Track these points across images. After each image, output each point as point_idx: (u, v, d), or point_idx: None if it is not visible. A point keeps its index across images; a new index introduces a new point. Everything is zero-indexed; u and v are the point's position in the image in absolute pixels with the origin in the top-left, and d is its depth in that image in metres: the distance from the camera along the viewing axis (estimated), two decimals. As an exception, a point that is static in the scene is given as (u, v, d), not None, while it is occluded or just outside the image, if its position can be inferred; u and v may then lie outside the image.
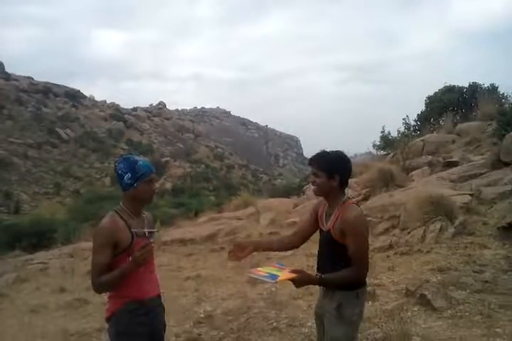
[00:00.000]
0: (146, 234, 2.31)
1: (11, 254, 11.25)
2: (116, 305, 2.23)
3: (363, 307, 2.28)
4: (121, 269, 2.13)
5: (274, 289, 5.05)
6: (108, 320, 2.27)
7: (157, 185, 2.56)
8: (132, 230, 2.22)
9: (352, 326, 2.21)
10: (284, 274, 2.12)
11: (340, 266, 2.15)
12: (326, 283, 2.17)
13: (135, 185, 2.21)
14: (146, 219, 2.38)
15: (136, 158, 2.28)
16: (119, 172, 2.23)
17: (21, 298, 6.29)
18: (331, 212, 2.27)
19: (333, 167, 2.21)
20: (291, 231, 2.62)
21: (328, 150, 2.33)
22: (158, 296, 2.40)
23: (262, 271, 2.19)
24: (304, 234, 2.46)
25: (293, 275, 2.10)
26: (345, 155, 2.30)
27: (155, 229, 2.43)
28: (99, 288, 2.21)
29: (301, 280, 2.11)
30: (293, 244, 2.49)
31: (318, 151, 2.34)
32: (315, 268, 2.38)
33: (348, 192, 2.42)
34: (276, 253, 6.71)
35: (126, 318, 2.20)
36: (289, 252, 6.05)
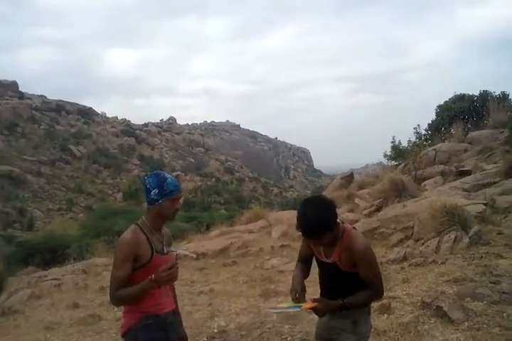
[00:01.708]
0: (165, 252, 2.30)
1: (24, 271, 11.30)
2: (132, 320, 2.22)
3: (371, 323, 2.35)
4: (141, 286, 2.11)
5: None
6: (124, 335, 2.26)
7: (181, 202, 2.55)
8: (153, 245, 2.22)
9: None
10: (306, 304, 2.19)
11: (350, 290, 2.17)
12: (347, 307, 2.17)
13: (160, 201, 2.22)
14: (165, 235, 2.38)
15: (166, 175, 2.30)
16: (147, 186, 2.26)
17: (36, 315, 6.31)
18: (330, 244, 2.23)
19: (330, 224, 2.12)
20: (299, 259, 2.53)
21: (305, 215, 2.14)
22: (175, 311, 2.40)
23: (283, 306, 2.29)
24: (310, 261, 2.47)
25: (314, 304, 2.16)
26: (325, 202, 2.18)
27: (178, 250, 2.38)
28: (116, 302, 2.21)
29: (323, 308, 2.15)
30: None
31: (304, 220, 2.14)
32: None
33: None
34: (287, 266, 6.67)
35: (143, 333, 2.19)
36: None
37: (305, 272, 2.45)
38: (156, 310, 2.24)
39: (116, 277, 2.13)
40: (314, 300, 2.18)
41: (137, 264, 2.16)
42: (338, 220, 2.20)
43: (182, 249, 2.29)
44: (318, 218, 2.08)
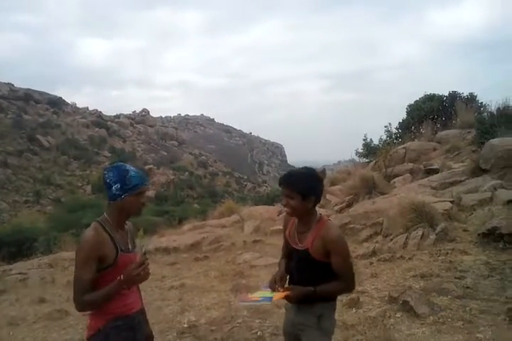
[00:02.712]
0: (131, 249, 2.18)
1: (-12, 265, 10.96)
2: (100, 322, 2.09)
3: (335, 319, 2.34)
4: (109, 289, 1.99)
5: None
6: (90, 337, 2.12)
7: (148, 195, 2.43)
8: (117, 244, 2.09)
9: (330, 337, 2.25)
10: (277, 294, 2.15)
11: (320, 281, 2.16)
12: (319, 295, 2.16)
13: (123, 196, 2.08)
14: (129, 230, 2.25)
15: (128, 167, 2.13)
16: (107, 181, 2.10)
17: (0, 311, 6.14)
18: (303, 230, 2.25)
19: (309, 188, 2.16)
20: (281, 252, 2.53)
21: (296, 168, 2.28)
22: (142, 309, 2.30)
23: (254, 297, 2.22)
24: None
25: (286, 292, 2.14)
26: (317, 174, 2.25)
27: (143, 245, 2.23)
28: (82, 308, 2.06)
29: (295, 295, 2.14)
30: None
31: (287, 172, 2.28)
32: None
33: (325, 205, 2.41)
34: (259, 261, 6.70)
35: (112, 335, 2.08)
36: (272, 261, 6.05)
37: (288, 266, 2.45)
38: (125, 311, 2.13)
39: (81, 280, 1.99)
40: (285, 289, 2.16)
41: (102, 265, 2.03)
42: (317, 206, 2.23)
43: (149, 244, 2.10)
44: (301, 173, 2.20)
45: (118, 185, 2.07)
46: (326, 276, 2.18)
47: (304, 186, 2.14)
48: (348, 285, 2.21)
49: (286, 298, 2.15)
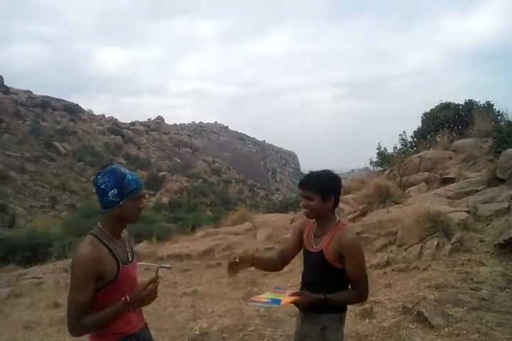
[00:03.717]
0: (130, 260, 1.98)
1: (4, 268, 11.12)
2: None
3: (343, 332, 2.26)
4: (112, 311, 1.79)
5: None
6: None
7: (145, 201, 2.31)
8: (117, 257, 1.89)
9: None
10: (287, 298, 2.10)
11: (332, 288, 2.12)
12: (330, 303, 2.10)
13: (121, 203, 1.88)
14: (126, 239, 2.06)
15: (124, 170, 1.95)
16: (102, 187, 1.88)
17: (15, 314, 6.21)
18: (321, 233, 2.23)
19: (328, 189, 2.18)
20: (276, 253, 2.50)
21: (316, 170, 2.29)
22: (146, 326, 2.11)
23: (263, 298, 2.16)
24: (288, 257, 2.42)
25: (295, 297, 2.08)
26: (336, 175, 2.27)
27: (157, 266, 2.03)
28: (79, 333, 1.80)
29: (304, 301, 2.09)
30: (279, 267, 2.46)
31: (307, 173, 2.30)
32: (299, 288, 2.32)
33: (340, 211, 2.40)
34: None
35: None
36: (286, 269, 6.03)
37: (272, 257, 2.43)
38: (131, 329, 1.94)
39: (77, 303, 1.76)
40: (294, 294, 2.10)
41: (101, 283, 1.82)
42: (336, 210, 2.24)
43: (165, 265, 1.99)
44: (321, 174, 2.22)
45: (115, 191, 1.87)
46: (338, 283, 2.14)
47: (323, 187, 2.16)
48: (361, 294, 2.15)
49: (295, 303, 2.09)
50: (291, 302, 2.08)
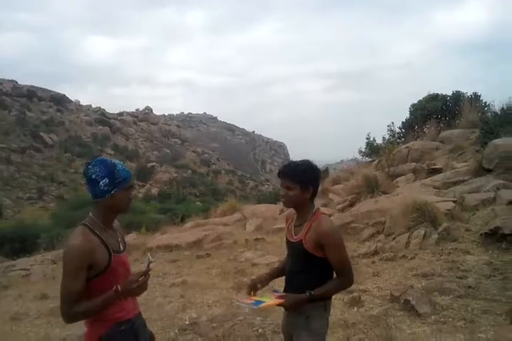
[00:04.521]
0: (121, 249, 2.03)
1: (-8, 260, 11.03)
2: (102, 330, 1.94)
3: (328, 319, 2.28)
4: (103, 299, 1.84)
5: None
6: None
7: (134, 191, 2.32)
8: (109, 246, 1.93)
9: (320, 338, 2.20)
10: (272, 300, 2.14)
11: (315, 278, 2.15)
12: (316, 298, 2.12)
13: (113, 192, 1.91)
14: (118, 229, 2.10)
15: (114, 160, 1.99)
16: (93, 177, 1.91)
17: (3, 306, 6.16)
18: (300, 223, 2.24)
19: (307, 179, 2.18)
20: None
21: (295, 160, 2.30)
22: (140, 313, 2.17)
23: (251, 298, 2.22)
24: None
25: (280, 300, 2.11)
26: (315, 165, 2.27)
27: (149, 258, 2.05)
28: (71, 320, 1.87)
29: (290, 304, 2.11)
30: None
31: (286, 163, 2.31)
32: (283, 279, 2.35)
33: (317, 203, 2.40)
34: (260, 260, 6.71)
35: None
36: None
37: (278, 269, 2.45)
38: (126, 315, 2.00)
39: (70, 291, 1.81)
40: (279, 297, 2.14)
41: (93, 272, 1.87)
42: (315, 200, 2.24)
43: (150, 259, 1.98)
44: (301, 164, 2.22)
45: (106, 180, 1.90)
46: (319, 273, 2.16)
47: (302, 176, 2.17)
48: (346, 280, 2.17)
49: (281, 305, 2.13)
50: (277, 305, 2.12)
